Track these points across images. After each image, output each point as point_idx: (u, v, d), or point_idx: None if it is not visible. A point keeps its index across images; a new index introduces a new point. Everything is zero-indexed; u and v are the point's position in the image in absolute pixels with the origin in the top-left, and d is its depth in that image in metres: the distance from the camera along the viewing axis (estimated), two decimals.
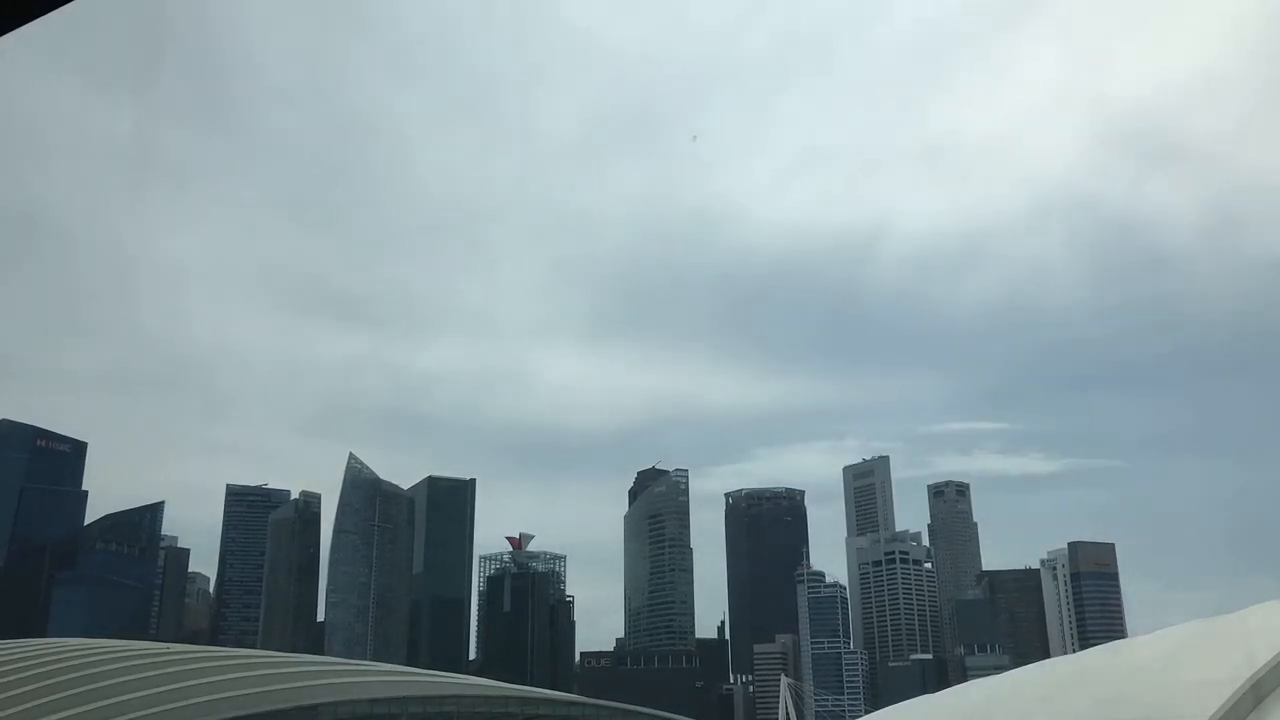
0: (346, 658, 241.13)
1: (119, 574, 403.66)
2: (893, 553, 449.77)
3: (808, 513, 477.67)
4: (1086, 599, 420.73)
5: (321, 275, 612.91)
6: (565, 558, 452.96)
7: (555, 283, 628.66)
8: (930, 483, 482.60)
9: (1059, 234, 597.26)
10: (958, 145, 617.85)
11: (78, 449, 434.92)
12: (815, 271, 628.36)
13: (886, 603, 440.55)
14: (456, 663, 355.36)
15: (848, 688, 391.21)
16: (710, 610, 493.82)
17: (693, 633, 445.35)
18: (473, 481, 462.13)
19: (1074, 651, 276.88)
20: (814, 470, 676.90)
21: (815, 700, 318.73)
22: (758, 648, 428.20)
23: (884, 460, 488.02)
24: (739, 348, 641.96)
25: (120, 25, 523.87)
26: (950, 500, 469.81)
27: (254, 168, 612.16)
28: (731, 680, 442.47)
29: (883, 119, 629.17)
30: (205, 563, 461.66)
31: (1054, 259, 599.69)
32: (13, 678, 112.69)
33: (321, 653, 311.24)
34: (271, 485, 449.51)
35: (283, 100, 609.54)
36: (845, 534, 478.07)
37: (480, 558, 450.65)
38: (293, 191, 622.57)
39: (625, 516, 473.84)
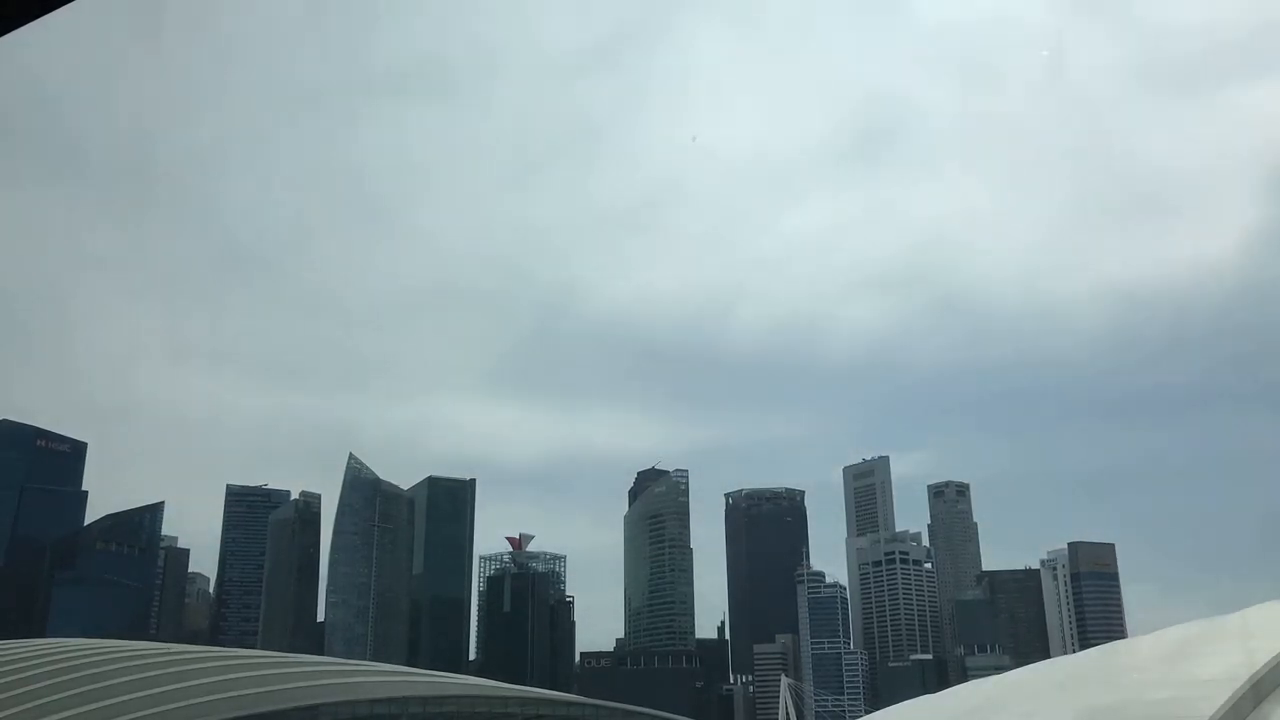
0: (346, 658, 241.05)
1: (119, 574, 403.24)
2: (893, 553, 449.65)
3: (808, 513, 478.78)
4: (1086, 599, 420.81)
5: (270, 343, 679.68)
6: (565, 558, 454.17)
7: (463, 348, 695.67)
8: (930, 483, 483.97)
9: (897, 311, 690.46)
10: (801, 242, 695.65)
11: (78, 449, 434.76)
12: (677, 337, 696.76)
13: (886, 603, 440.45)
14: (456, 663, 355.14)
15: (848, 688, 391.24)
16: (710, 610, 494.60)
17: (693, 633, 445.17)
18: (473, 482, 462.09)
19: (1074, 651, 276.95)
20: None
21: (815, 700, 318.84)
22: (758, 648, 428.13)
23: (884, 460, 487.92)
24: (634, 396, 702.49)
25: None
26: (950, 500, 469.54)
27: (229, 261, 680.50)
28: (731, 680, 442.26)
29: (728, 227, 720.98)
30: (205, 563, 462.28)
31: (900, 329, 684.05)
32: (13, 678, 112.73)
33: (321, 653, 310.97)
34: (271, 485, 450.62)
35: (246, 205, 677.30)
36: (845, 534, 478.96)
37: (480, 558, 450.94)
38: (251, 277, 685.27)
39: (625, 517, 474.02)
